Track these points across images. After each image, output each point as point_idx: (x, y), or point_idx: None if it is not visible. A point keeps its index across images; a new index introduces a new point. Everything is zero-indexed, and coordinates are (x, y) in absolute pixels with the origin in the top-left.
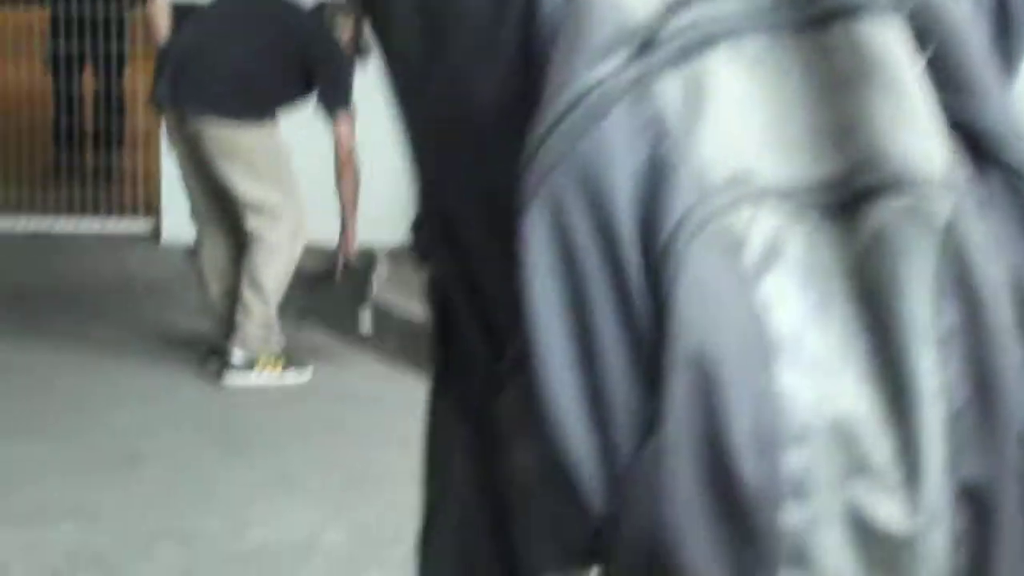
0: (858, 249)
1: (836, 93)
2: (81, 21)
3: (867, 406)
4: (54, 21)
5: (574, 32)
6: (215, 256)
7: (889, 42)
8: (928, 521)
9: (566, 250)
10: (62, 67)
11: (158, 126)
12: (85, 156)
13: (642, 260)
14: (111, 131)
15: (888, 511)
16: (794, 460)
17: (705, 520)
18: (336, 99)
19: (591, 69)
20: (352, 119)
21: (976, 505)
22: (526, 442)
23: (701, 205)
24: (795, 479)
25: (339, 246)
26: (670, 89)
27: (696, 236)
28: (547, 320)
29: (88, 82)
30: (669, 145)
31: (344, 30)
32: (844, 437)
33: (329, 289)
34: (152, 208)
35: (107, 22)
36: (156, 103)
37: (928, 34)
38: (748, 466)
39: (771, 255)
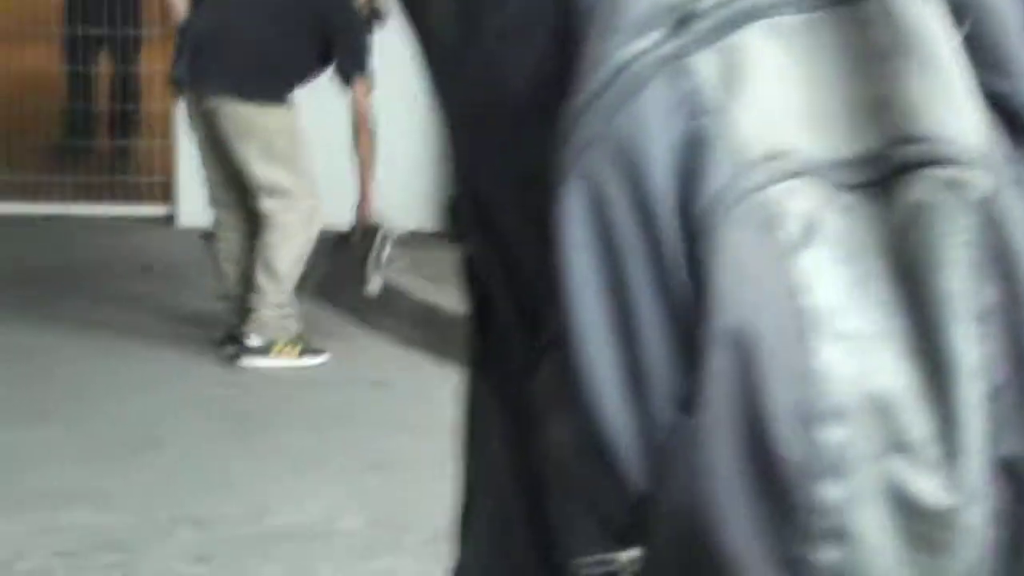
0: (896, 225)
1: (873, 67)
2: (97, 4)
3: (906, 382)
4: (69, 5)
5: (610, 9)
6: (232, 241)
7: (925, 16)
8: (967, 498)
9: (603, 226)
10: (77, 51)
11: (174, 110)
12: (100, 141)
13: (679, 235)
14: (127, 116)
15: (927, 487)
16: (833, 436)
17: (744, 497)
18: (354, 65)
19: (627, 45)
20: (369, 85)
21: (1016, 483)
22: (563, 419)
23: (738, 181)
24: (834, 455)
25: (357, 207)
26: (707, 65)
27: (733, 211)
28: (584, 296)
29: (103, 66)
30: (706, 120)
31: None
32: (883, 413)
33: (346, 252)
34: (168, 194)
35: (123, 4)
36: (175, 84)
37: (964, 10)
38: (787, 442)
39: (809, 231)
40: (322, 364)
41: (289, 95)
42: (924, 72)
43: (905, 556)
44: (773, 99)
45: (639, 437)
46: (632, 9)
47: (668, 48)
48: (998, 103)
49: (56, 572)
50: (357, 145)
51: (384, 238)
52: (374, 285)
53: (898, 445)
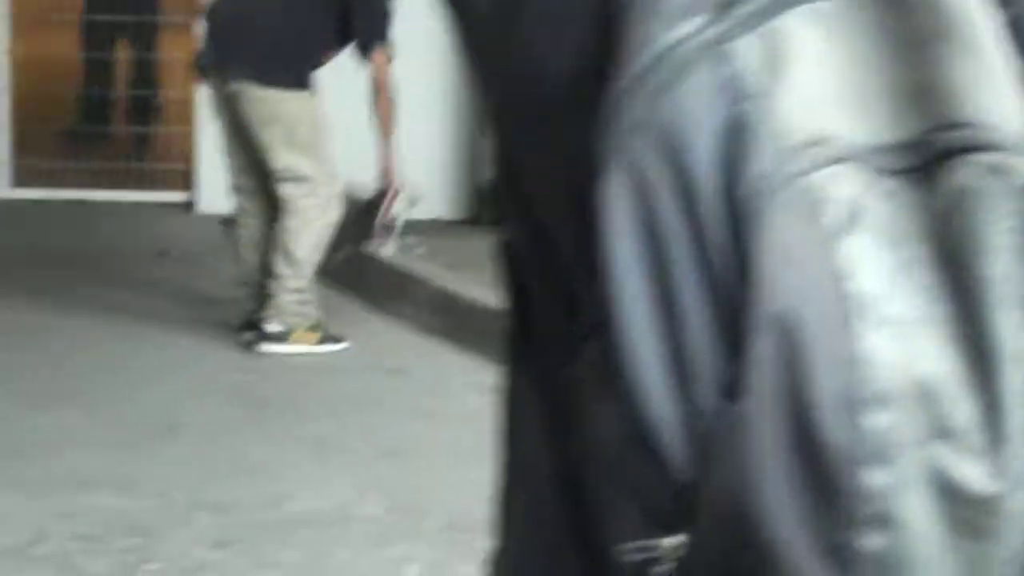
0: (938, 210)
1: (914, 53)
2: None
3: (950, 368)
4: None
5: None
6: (253, 227)
7: (967, 1)
8: (1012, 484)
9: (646, 211)
10: (95, 37)
11: (195, 97)
12: (117, 127)
13: (723, 221)
14: (145, 102)
15: (972, 474)
16: (878, 422)
17: (788, 483)
18: (374, 34)
19: (669, 30)
20: (389, 53)
21: None
22: (604, 407)
23: (781, 166)
24: (879, 441)
25: (381, 172)
26: (749, 50)
27: (777, 197)
28: (628, 281)
29: (122, 53)
30: (749, 106)
31: None
32: (927, 399)
33: (372, 217)
34: (187, 181)
35: None
36: (199, 70)
37: None
38: (832, 428)
39: (852, 217)
40: (340, 351)
41: (312, 80)
42: (966, 57)
43: (949, 542)
44: (815, 84)
45: (683, 424)
46: None
47: (710, 33)
48: None
49: (74, 556)
50: (376, 106)
51: (397, 198)
52: (385, 246)
53: (942, 431)
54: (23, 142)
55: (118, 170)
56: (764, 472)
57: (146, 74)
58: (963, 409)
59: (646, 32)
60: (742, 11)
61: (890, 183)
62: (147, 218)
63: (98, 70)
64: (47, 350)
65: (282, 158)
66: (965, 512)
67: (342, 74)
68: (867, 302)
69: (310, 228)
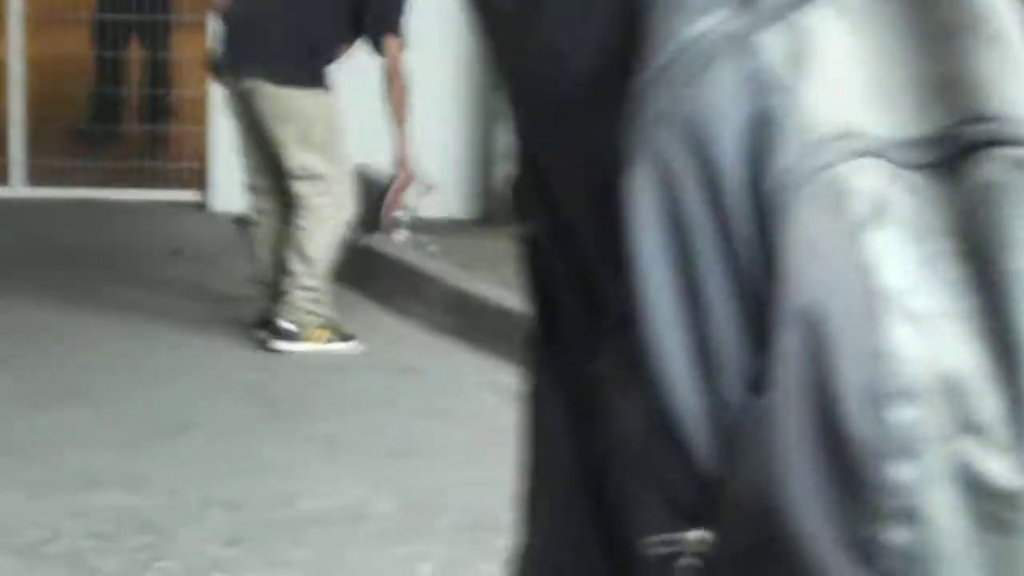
0: (964, 204)
1: (939, 46)
2: None
3: (975, 363)
4: None
5: None
6: (267, 226)
7: None
8: None
9: (671, 204)
10: (107, 36)
11: (208, 96)
12: (129, 126)
13: (748, 214)
14: (157, 101)
15: (997, 468)
16: (903, 416)
17: (814, 477)
18: (387, 24)
19: (694, 23)
20: (402, 43)
21: None
22: (629, 400)
23: (807, 159)
24: (904, 435)
25: (396, 159)
26: (773, 43)
27: (802, 190)
28: (653, 274)
29: (134, 52)
30: (773, 99)
31: None
32: (953, 394)
33: (384, 204)
34: (200, 180)
35: None
36: (213, 68)
37: None
38: (857, 422)
39: (877, 210)
40: (353, 349)
41: (328, 77)
42: (991, 50)
43: (975, 537)
44: (839, 78)
45: (709, 417)
46: None
47: (734, 26)
48: None
49: (87, 554)
50: (389, 94)
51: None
52: (400, 235)
53: (968, 426)
54: (36, 141)
55: (131, 169)
56: (789, 466)
57: (159, 73)
58: (988, 404)
59: (670, 24)
60: (766, 5)
61: (915, 177)
62: (160, 217)
63: (111, 69)
64: (60, 348)
65: (296, 156)
66: (990, 506)
67: (356, 62)
68: (892, 296)
69: (324, 227)
